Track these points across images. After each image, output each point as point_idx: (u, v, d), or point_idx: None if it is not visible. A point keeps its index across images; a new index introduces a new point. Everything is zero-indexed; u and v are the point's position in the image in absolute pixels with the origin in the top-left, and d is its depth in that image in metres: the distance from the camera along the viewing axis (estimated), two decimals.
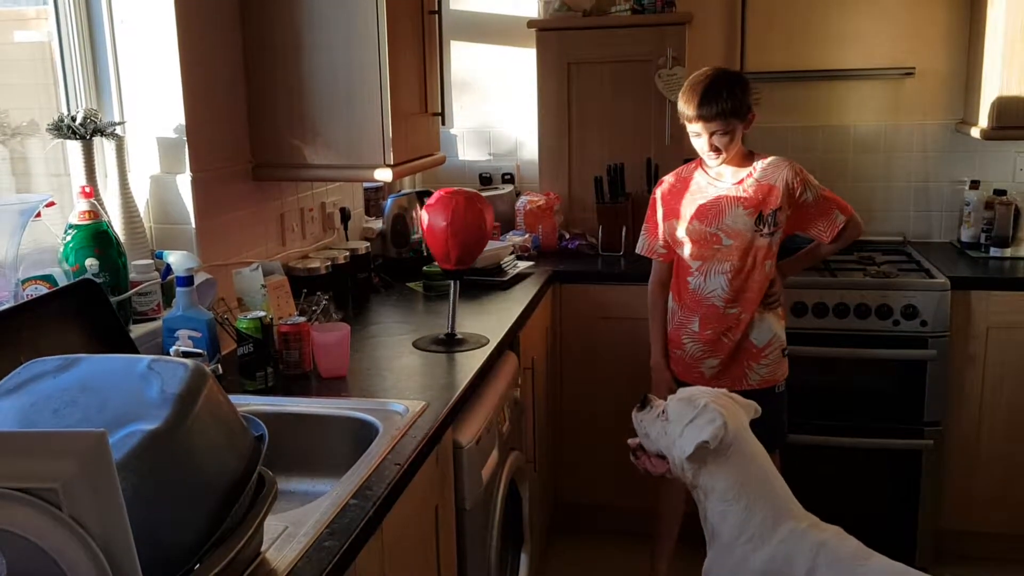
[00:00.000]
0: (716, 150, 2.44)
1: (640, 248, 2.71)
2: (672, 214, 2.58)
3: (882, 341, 2.90)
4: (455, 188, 2.27)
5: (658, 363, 2.67)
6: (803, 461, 3.03)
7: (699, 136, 2.46)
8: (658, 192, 2.64)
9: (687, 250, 2.56)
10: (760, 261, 2.50)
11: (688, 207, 2.54)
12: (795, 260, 2.68)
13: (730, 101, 2.39)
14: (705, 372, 2.59)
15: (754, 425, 2.42)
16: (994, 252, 3.15)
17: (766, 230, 2.47)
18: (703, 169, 2.55)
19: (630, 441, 2.09)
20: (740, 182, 2.49)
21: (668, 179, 2.63)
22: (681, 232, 2.56)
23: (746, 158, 2.51)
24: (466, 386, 1.97)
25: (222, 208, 2.27)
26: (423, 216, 2.23)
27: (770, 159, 2.51)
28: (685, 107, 2.44)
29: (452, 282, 2.30)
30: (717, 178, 2.52)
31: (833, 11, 3.44)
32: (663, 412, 2.01)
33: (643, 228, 2.70)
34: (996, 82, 3.00)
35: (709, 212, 2.51)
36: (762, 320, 2.55)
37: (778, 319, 2.61)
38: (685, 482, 1.98)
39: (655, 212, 2.64)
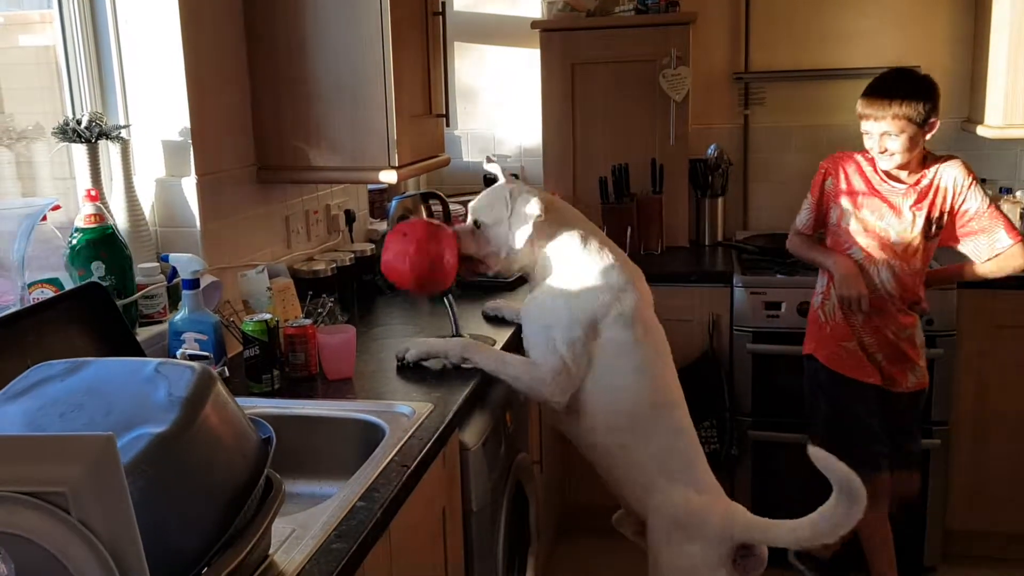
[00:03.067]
0: (889, 152, 2.39)
1: (800, 223, 2.65)
2: (847, 198, 2.52)
3: None
4: (409, 223, 2.16)
5: (840, 261, 2.51)
6: (811, 461, 3.02)
7: (869, 135, 2.42)
8: (833, 167, 2.56)
9: (854, 240, 2.51)
10: (922, 263, 2.49)
11: (861, 197, 2.50)
12: (942, 273, 2.62)
13: (905, 105, 2.33)
14: (876, 366, 2.54)
15: (897, 438, 2.60)
16: None
17: (932, 232, 2.46)
18: (877, 164, 2.50)
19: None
20: (916, 183, 2.45)
21: (853, 159, 2.53)
22: (850, 220, 2.51)
23: (924, 159, 2.47)
24: (472, 388, 1.97)
25: (227, 211, 2.27)
26: (383, 259, 2.12)
27: (947, 161, 2.47)
28: (859, 103, 2.42)
29: (445, 298, 2.29)
30: (894, 177, 2.47)
31: (837, 10, 3.43)
32: (475, 225, 2.16)
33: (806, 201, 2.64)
34: (1002, 80, 2.99)
35: (883, 205, 2.47)
36: (917, 322, 2.53)
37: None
38: (516, 268, 2.15)
39: (820, 184, 2.59)
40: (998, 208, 2.50)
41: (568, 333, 2.03)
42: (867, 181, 2.50)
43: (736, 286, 3.02)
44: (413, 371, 2.08)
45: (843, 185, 2.53)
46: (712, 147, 3.49)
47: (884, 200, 2.48)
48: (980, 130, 3.15)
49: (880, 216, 2.48)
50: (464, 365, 2.08)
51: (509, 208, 2.10)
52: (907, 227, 2.46)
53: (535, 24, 3.45)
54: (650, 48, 3.34)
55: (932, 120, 2.37)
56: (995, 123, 3.05)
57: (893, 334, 2.52)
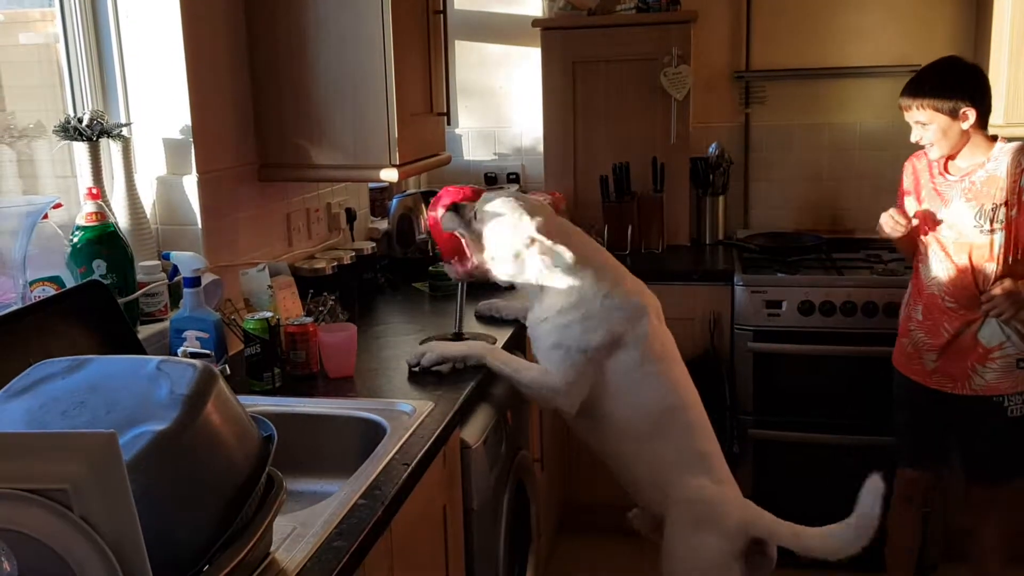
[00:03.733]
0: (926, 142, 2.41)
1: None
2: (914, 192, 2.54)
3: (890, 339, 2.87)
4: (461, 185, 2.26)
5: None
6: (814, 459, 3.03)
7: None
8: (908, 165, 2.61)
9: (917, 234, 2.52)
10: (979, 260, 2.39)
11: (923, 188, 2.51)
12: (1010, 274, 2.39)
13: (928, 96, 2.34)
14: (927, 365, 2.52)
15: (976, 448, 2.55)
16: None
17: (986, 227, 2.36)
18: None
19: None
20: (971, 172, 2.40)
21: (922, 154, 2.54)
22: (911, 212, 2.51)
23: (986, 146, 2.40)
24: (473, 386, 1.97)
25: (228, 209, 2.27)
26: (432, 214, 2.22)
27: (1008, 145, 2.38)
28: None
29: (459, 286, 2.29)
30: (949, 170, 2.45)
31: (839, 8, 3.43)
32: (473, 219, 2.12)
33: None
34: (1003, 77, 2.99)
35: (937, 198, 2.45)
36: (993, 320, 2.41)
37: (1018, 326, 2.40)
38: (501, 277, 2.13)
39: (902, 183, 2.62)
40: None
41: (582, 353, 2.03)
42: (931, 175, 2.50)
43: (737, 285, 3.02)
44: (415, 370, 2.08)
45: (912, 180, 2.55)
46: (713, 145, 3.49)
47: (938, 192, 2.45)
48: None
49: (936, 209, 2.45)
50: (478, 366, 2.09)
51: (512, 222, 2.07)
52: (956, 219, 2.40)
53: (536, 22, 3.45)
54: (651, 46, 3.34)
55: (963, 110, 2.33)
56: (997, 121, 3.03)
57: (948, 332, 2.44)
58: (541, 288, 2.09)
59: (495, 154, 3.76)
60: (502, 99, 3.73)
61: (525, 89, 3.67)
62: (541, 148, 3.57)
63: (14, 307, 1.59)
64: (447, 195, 2.20)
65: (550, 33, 3.43)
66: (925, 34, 3.38)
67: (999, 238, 2.37)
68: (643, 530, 2.28)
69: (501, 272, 2.13)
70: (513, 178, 3.71)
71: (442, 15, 2.60)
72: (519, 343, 2.46)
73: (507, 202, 2.10)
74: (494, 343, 2.24)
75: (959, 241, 2.41)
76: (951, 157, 2.44)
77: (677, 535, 2.05)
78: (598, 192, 3.38)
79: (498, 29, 3.67)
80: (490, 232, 2.10)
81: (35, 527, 0.84)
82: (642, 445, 2.08)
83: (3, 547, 0.83)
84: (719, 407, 3.02)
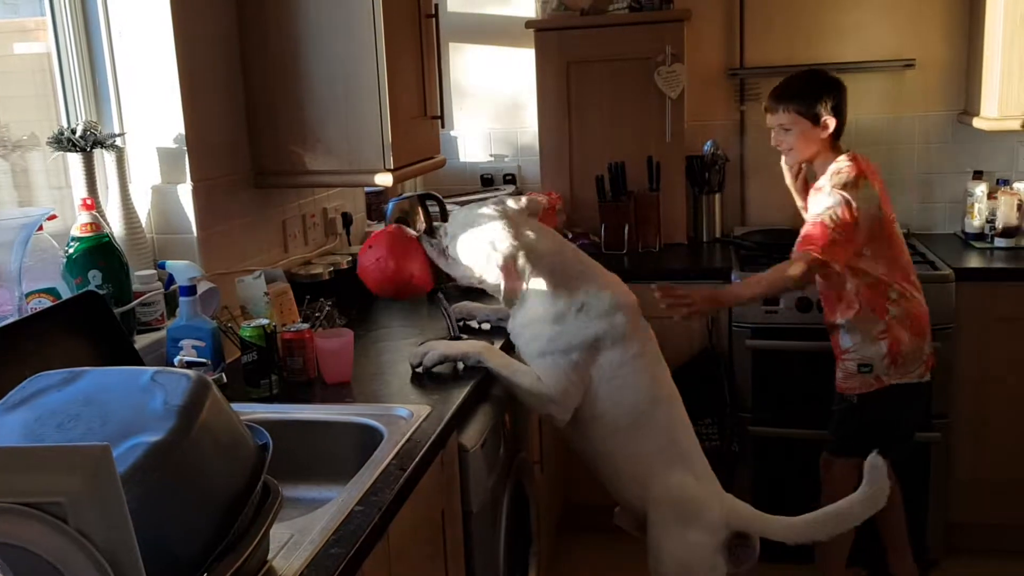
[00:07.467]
0: (782, 144, 2.52)
1: None
2: None
3: None
4: (380, 231, 2.27)
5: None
6: (812, 456, 3.03)
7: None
8: None
9: None
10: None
11: None
12: (749, 280, 2.57)
13: (798, 100, 2.45)
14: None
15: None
16: (999, 243, 3.13)
17: None
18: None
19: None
20: (818, 178, 2.53)
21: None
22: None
23: (832, 158, 2.50)
24: (470, 389, 1.97)
25: (224, 216, 2.28)
26: (363, 260, 2.23)
27: (842, 158, 2.48)
28: None
29: (438, 295, 2.32)
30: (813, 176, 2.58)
31: (831, 4, 3.43)
32: (445, 250, 2.16)
33: None
34: (997, 71, 2.99)
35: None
36: (849, 327, 2.51)
37: (870, 337, 2.47)
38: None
39: None
40: (821, 219, 2.37)
41: (567, 359, 2.04)
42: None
43: (735, 282, 3.02)
44: (412, 374, 2.09)
45: None
46: (708, 143, 3.49)
47: (804, 197, 2.66)
48: (976, 122, 3.15)
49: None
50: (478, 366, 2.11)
51: (485, 252, 2.08)
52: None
53: (530, 24, 3.45)
54: (645, 46, 3.35)
55: (824, 118, 2.45)
56: (991, 115, 3.05)
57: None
58: (521, 296, 2.10)
59: (491, 155, 3.77)
60: (497, 101, 3.73)
61: (520, 90, 3.67)
62: (537, 149, 3.57)
63: (11, 319, 1.60)
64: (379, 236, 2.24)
65: (543, 34, 3.44)
66: (918, 29, 3.38)
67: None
68: (627, 527, 2.30)
69: (485, 283, 2.15)
70: (509, 179, 3.71)
71: (434, 19, 2.60)
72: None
73: (470, 215, 2.13)
74: (491, 344, 2.24)
75: None
76: (809, 163, 2.57)
77: (661, 533, 2.08)
78: (594, 191, 3.39)
79: (491, 31, 3.67)
80: (461, 248, 2.13)
81: (31, 540, 0.85)
82: (623, 441, 2.11)
83: None
84: (718, 405, 3.02)
